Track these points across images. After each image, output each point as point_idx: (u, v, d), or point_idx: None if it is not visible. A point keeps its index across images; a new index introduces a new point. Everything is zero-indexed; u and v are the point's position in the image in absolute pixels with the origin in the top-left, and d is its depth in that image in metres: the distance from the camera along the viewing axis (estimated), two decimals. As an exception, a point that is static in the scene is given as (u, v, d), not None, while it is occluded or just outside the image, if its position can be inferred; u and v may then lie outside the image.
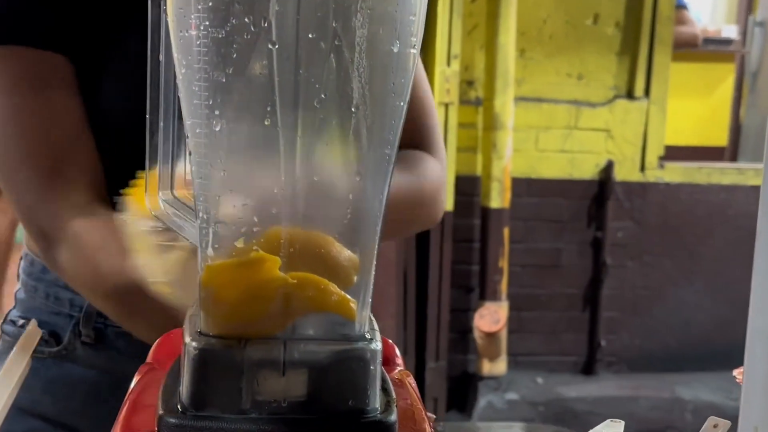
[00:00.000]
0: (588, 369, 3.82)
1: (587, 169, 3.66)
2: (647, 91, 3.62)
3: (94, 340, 1.04)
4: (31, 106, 0.92)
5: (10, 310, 1.11)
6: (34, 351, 0.87)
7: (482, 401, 3.53)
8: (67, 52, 0.94)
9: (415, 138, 1.06)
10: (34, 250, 1.08)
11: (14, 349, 0.66)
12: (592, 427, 0.70)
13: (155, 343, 0.69)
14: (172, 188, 0.64)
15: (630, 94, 3.63)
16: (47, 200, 0.90)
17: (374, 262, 0.55)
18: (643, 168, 3.69)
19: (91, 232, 0.88)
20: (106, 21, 0.97)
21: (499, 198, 3.49)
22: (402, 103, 0.54)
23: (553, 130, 3.60)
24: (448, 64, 3.35)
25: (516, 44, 3.43)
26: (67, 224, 0.89)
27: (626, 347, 3.87)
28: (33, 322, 0.89)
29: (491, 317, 3.53)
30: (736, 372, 0.62)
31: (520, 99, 3.51)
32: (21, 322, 1.05)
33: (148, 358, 0.67)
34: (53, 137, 0.92)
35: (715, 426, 0.65)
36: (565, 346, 3.75)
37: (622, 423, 0.70)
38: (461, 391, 3.60)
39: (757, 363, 0.42)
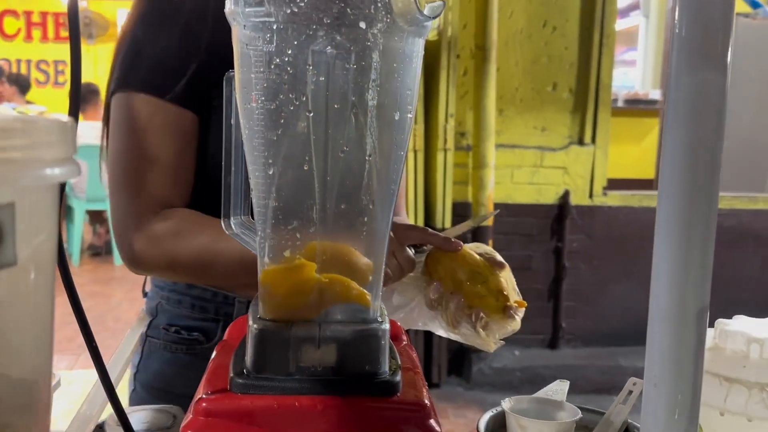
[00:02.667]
0: (553, 344, 3.78)
1: (550, 197, 3.64)
2: (593, 139, 3.59)
3: None
4: (141, 143, 0.89)
5: (151, 320, 1.02)
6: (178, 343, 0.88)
7: (474, 368, 3.50)
8: (193, 109, 0.90)
9: (397, 206, 1.08)
10: None
11: (130, 330, 0.67)
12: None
13: (230, 326, 0.69)
14: (241, 214, 0.65)
15: (581, 141, 3.60)
16: (130, 213, 0.89)
17: (383, 267, 0.56)
18: (591, 195, 3.66)
19: (163, 226, 0.87)
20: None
21: (485, 218, 3.48)
22: (402, 153, 0.55)
23: (524, 168, 3.58)
24: (446, 120, 3.35)
25: (496, 105, 3.43)
26: (145, 225, 0.87)
27: (581, 328, 3.83)
28: (143, 311, 0.88)
29: (480, 306, 3.50)
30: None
31: (499, 146, 3.50)
32: (173, 329, 0.99)
33: (225, 337, 0.68)
34: (149, 171, 0.89)
35: (634, 384, 0.65)
36: (536, 328, 3.71)
37: (567, 382, 0.70)
38: (459, 361, 3.57)
39: (655, 334, 0.42)
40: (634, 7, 6.04)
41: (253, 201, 0.55)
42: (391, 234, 0.85)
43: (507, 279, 0.86)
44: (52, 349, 0.32)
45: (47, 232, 0.28)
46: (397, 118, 0.53)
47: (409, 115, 0.54)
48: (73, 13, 0.44)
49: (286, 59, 0.50)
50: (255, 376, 0.53)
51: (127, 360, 0.60)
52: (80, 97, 0.44)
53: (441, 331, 0.87)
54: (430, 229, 0.88)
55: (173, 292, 1.01)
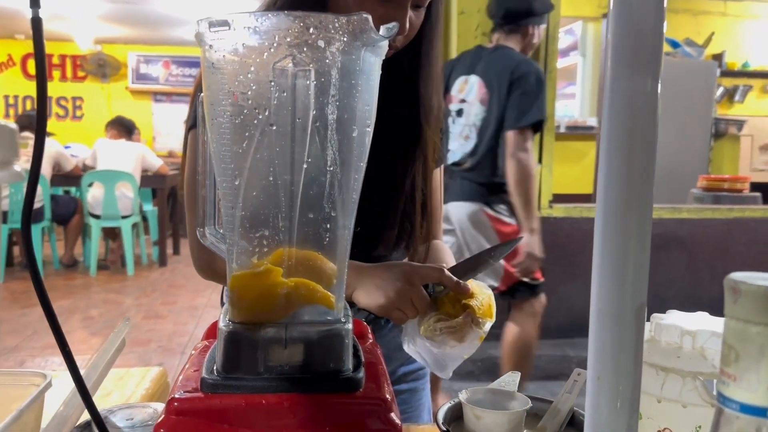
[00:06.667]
0: (509, 337, 3.74)
1: (505, 210, 3.62)
2: (540, 160, 3.59)
3: None
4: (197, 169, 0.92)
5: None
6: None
7: (442, 360, 3.46)
8: None
9: (434, 231, 1.04)
10: None
11: (112, 334, 0.62)
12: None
13: (208, 327, 0.65)
14: (215, 224, 0.61)
15: (530, 162, 3.60)
16: (192, 228, 0.89)
17: (345, 270, 0.52)
18: (539, 208, 3.66)
19: None
20: None
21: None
22: (362, 164, 0.51)
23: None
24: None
25: (457, 132, 3.41)
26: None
27: (533, 323, 3.80)
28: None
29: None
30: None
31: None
32: None
33: (202, 338, 0.63)
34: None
35: (578, 374, 0.61)
36: (494, 323, 3.68)
37: (519, 374, 0.66)
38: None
39: (596, 331, 0.39)
40: (572, 48, 6.09)
41: (222, 210, 0.51)
42: (409, 269, 0.82)
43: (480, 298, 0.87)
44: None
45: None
46: (355, 133, 0.49)
47: (368, 129, 0.50)
48: (38, 36, 0.39)
49: (250, 76, 0.46)
50: (225, 376, 0.48)
51: (109, 361, 0.55)
52: (46, 115, 0.39)
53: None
54: (446, 271, 0.83)
55: None
